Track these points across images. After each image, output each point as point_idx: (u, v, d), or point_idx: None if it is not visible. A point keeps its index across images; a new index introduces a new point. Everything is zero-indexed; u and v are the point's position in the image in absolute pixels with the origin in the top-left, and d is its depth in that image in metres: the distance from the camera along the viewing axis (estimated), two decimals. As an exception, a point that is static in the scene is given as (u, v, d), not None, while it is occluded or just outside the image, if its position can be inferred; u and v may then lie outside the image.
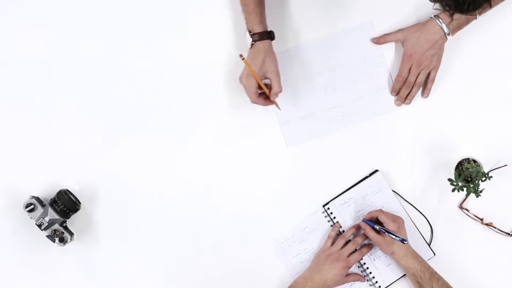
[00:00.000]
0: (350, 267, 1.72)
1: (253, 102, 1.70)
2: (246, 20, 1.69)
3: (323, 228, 1.78)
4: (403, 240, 1.65)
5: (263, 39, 1.67)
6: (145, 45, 1.79)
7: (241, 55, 1.64)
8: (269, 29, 1.69)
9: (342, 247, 1.73)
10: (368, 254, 1.76)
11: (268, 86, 1.69)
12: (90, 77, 1.78)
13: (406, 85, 1.76)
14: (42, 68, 1.78)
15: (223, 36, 1.79)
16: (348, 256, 1.72)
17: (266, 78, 1.68)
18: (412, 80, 1.75)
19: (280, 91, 1.68)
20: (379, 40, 1.78)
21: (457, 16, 1.65)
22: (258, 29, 1.67)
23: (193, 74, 1.78)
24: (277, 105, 1.73)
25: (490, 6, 1.31)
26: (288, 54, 1.77)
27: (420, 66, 1.73)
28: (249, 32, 1.67)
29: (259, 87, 1.69)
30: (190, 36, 1.79)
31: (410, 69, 1.74)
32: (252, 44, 1.67)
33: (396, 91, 1.78)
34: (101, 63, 1.78)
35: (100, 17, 1.79)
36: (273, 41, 1.68)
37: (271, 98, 1.70)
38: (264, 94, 1.71)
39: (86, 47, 1.78)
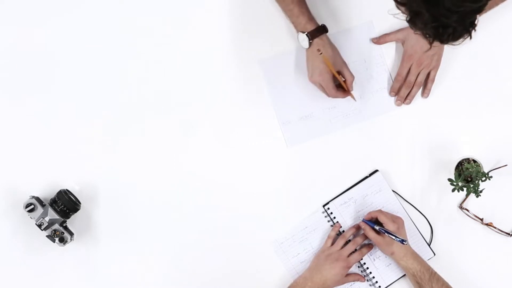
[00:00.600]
0: (350, 267, 1.72)
1: (333, 96, 1.71)
2: (294, 24, 1.70)
3: (323, 228, 1.78)
4: (402, 241, 1.65)
5: (319, 35, 1.67)
6: (145, 46, 1.78)
7: (318, 50, 1.66)
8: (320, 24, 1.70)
9: (342, 247, 1.73)
10: (368, 254, 1.76)
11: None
12: (89, 77, 1.78)
13: (406, 84, 1.76)
14: (41, 68, 1.77)
15: (225, 37, 1.78)
16: (348, 256, 1.72)
17: (336, 71, 1.69)
18: (412, 79, 1.75)
19: (354, 78, 1.70)
20: (379, 40, 1.78)
21: None
22: (311, 27, 1.67)
23: (192, 74, 1.78)
24: (353, 96, 1.74)
25: (471, 37, 1.31)
26: (289, 55, 1.77)
27: (420, 66, 1.73)
28: (303, 33, 1.67)
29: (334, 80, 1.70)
30: (190, 35, 1.79)
31: (410, 69, 1.74)
32: (310, 43, 1.67)
33: (395, 91, 1.78)
34: (100, 63, 1.78)
35: (98, 16, 1.79)
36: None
37: (350, 88, 1.71)
38: (339, 86, 1.72)
39: (85, 47, 1.78)
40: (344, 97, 1.72)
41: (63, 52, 1.78)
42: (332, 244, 1.74)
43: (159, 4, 1.78)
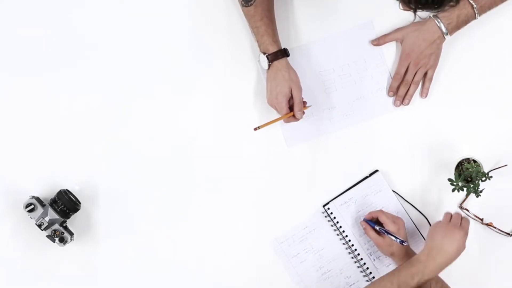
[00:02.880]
0: (467, 233, 1.65)
1: (287, 122, 1.72)
2: (258, 42, 1.69)
3: (323, 228, 1.77)
4: (402, 242, 1.65)
5: (279, 58, 1.67)
6: (143, 51, 1.78)
7: (255, 128, 1.67)
8: (282, 47, 1.69)
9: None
10: (368, 254, 1.76)
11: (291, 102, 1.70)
12: (89, 77, 1.77)
13: (404, 83, 1.76)
14: (40, 66, 1.77)
15: (225, 37, 1.78)
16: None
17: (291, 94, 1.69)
18: (410, 78, 1.75)
19: (302, 110, 1.69)
20: (378, 42, 1.78)
21: (450, 16, 1.67)
22: (272, 49, 1.67)
23: (192, 76, 1.78)
24: (305, 108, 1.73)
25: (457, 2, 1.28)
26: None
27: (418, 65, 1.73)
28: (264, 53, 1.67)
29: (289, 105, 1.69)
30: (191, 35, 1.79)
31: (407, 68, 1.74)
32: (269, 65, 1.68)
33: (393, 90, 1.77)
34: (99, 63, 1.77)
35: (96, 17, 1.79)
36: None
37: (297, 116, 1.69)
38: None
39: (84, 46, 1.78)
40: (297, 121, 1.71)
41: (60, 52, 1.77)
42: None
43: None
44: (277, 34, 1.69)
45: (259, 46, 1.69)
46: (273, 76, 1.69)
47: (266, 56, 1.67)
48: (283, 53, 1.68)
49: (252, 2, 1.66)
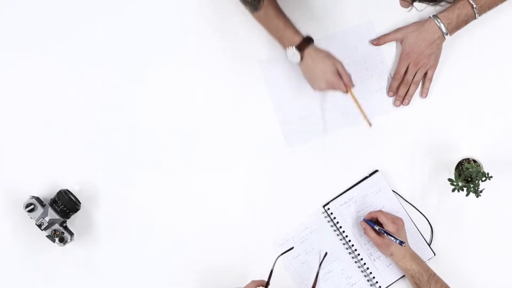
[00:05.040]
0: None
1: (350, 85, 1.68)
2: (281, 39, 1.67)
3: (324, 228, 1.77)
4: (401, 243, 1.65)
5: (309, 44, 1.66)
6: (143, 53, 1.79)
7: (370, 124, 1.69)
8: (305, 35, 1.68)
9: None
10: (368, 254, 1.76)
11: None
12: (88, 78, 1.78)
13: (403, 83, 1.76)
14: (41, 65, 1.78)
15: (224, 37, 1.79)
16: None
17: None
18: (410, 78, 1.75)
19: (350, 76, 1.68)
20: (378, 41, 1.78)
21: (450, 16, 1.67)
22: (298, 39, 1.65)
23: (191, 76, 1.78)
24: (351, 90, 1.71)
25: None
26: (289, 54, 1.78)
27: (418, 65, 1.73)
28: (292, 46, 1.65)
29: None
30: (190, 36, 1.79)
31: (407, 68, 1.74)
32: (301, 55, 1.66)
33: (393, 90, 1.78)
34: (100, 63, 1.78)
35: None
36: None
37: (350, 84, 1.67)
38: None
39: (84, 47, 1.78)
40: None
41: (60, 52, 1.78)
42: None
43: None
44: (295, 26, 1.68)
45: (284, 42, 1.67)
46: (312, 62, 1.66)
47: (296, 48, 1.65)
48: (309, 39, 1.67)
49: (259, 6, 1.65)
